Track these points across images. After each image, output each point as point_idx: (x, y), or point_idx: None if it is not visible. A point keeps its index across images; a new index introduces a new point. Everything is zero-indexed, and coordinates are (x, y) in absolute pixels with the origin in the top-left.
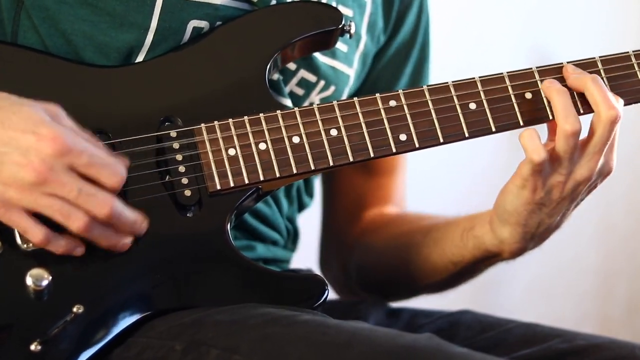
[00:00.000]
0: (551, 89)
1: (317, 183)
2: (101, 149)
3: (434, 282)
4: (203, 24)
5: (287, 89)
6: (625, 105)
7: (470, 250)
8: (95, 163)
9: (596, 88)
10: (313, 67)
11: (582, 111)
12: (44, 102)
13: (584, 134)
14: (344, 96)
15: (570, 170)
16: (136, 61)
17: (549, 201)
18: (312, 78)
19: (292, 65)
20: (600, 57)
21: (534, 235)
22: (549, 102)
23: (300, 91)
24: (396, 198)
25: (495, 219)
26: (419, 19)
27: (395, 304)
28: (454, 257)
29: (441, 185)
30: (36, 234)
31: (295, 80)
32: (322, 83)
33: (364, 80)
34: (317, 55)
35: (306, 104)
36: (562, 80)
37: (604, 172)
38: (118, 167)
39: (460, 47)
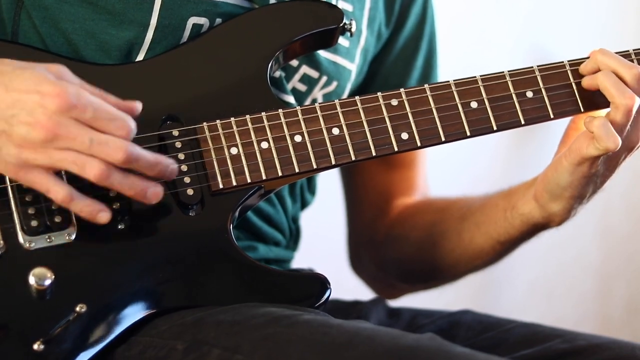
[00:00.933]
0: (594, 76)
1: (322, 180)
2: (107, 103)
3: (479, 263)
4: (203, 20)
5: (289, 86)
6: None
7: (517, 228)
8: (102, 117)
9: (607, 57)
10: (315, 63)
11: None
12: (46, 63)
13: None
14: (346, 92)
15: (623, 139)
16: (137, 59)
17: (604, 171)
18: (314, 74)
19: (294, 62)
20: None
21: (582, 202)
22: (549, 101)
23: (302, 87)
24: (420, 188)
25: (545, 195)
26: (425, 11)
27: (395, 304)
28: (500, 237)
29: (441, 183)
30: (59, 191)
31: (297, 76)
32: (324, 79)
33: (373, 78)
34: (319, 50)
35: (309, 100)
36: (566, 79)
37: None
38: (126, 119)
39: (459, 47)
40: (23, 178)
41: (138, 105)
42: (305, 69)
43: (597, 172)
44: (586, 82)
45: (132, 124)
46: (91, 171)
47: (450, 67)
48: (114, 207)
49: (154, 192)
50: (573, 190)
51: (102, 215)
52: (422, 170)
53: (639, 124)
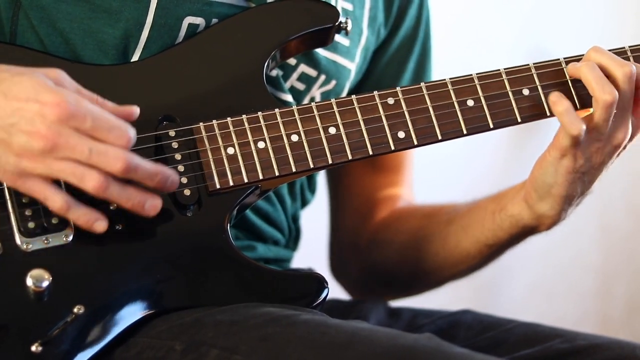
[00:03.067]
0: (578, 66)
1: (320, 179)
2: (106, 111)
3: (464, 267)
4: (198, 20)
5: (287, 84)
6: None
7: (506, 230)
8: (101, 126)
9: (600, 54)
10: (313, 62)
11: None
12: (44, 68)
13: None
14: (345, 91)
15: (607, 135)
16: (132, 57)
17: (589, 168)
18: (312, 73)
19: (292, 60)
20: None
21: (572, 203)
22: (546, 99)
23: (301, 86)
24: (405, 194)
25: (533, 194)
26: (420, 13)
27: (396, 304)
28: (488, 240)
29: (441, 184)
30: (56, 200)
31: (295, 75)
32: (322, 77)
33: (367, 77)
34: (318, 49)
35: (307, 98)
36: (562, 77)
37: (635, 133)
38: (124, 128)
39: (459, 48)
40: (21, 186)
41: (136, 110)
42: (303, 68)
43: (581, 167)
44: (570, 70)
45: (132, 132)
46: (89, 182)
47: (449, 67)
48: (112, 207)
49: (152, 205)
50: (560, 187)
51: (99, 223)
52: (408, 175)
53: (624, 122)
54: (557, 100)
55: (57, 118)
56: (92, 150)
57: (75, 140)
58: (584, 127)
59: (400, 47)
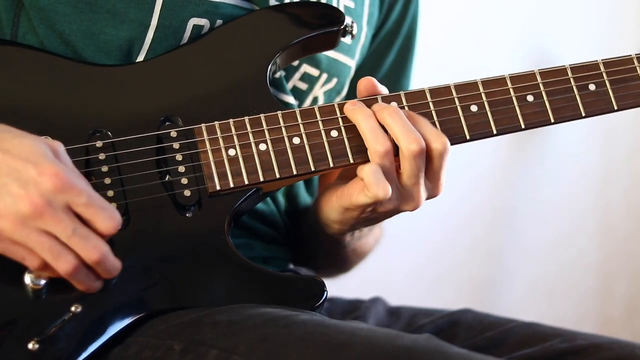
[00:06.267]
0: (355, 112)
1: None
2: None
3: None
4: (203, 21)
5: (289, 85)
6: (628, 109)
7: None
8: (94, 204)
9: (395, 121)
10: (315, 61)
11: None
12: (45, 138)
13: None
14: (346, 87)
15: (396, 195)
16: (137, 59)
17: (375, 215)
18: (314, 72)
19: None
20: (602, 60)
21: (356, 229)
22: (550, 105)
23: (303, 86)
24: None
25: (319, 217)
26: (406, 9)
27: (395, 304)
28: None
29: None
30: (34, 260)
31: (297, 75)
32: (325, 76)
33: None
34: None
35: (310, 97)
36: (563, 83)
37: (433, 194)
38: (115, 213)
39: (459, 48)
40: None
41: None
42: (305, 68)
43: (365, 215)
44: (345, 110)
45: (119, 219)
46: (63, 265)
47: (450, 68)
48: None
49: (98, 288)
50: (343, 225)
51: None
52: None
53: (435, 181)
54: (363, 166)
55: (52, 188)
56: (75, 231)
57: (62, 215)
58: (390, 190)
59: (381, 41)
